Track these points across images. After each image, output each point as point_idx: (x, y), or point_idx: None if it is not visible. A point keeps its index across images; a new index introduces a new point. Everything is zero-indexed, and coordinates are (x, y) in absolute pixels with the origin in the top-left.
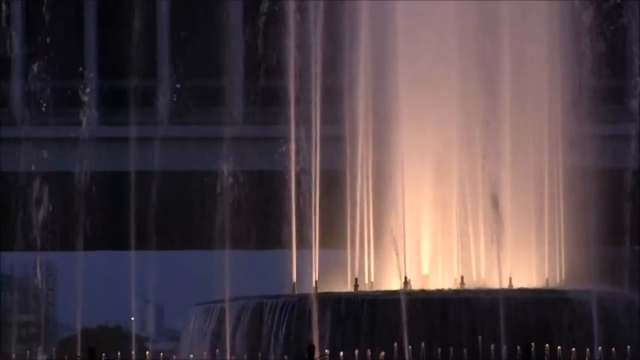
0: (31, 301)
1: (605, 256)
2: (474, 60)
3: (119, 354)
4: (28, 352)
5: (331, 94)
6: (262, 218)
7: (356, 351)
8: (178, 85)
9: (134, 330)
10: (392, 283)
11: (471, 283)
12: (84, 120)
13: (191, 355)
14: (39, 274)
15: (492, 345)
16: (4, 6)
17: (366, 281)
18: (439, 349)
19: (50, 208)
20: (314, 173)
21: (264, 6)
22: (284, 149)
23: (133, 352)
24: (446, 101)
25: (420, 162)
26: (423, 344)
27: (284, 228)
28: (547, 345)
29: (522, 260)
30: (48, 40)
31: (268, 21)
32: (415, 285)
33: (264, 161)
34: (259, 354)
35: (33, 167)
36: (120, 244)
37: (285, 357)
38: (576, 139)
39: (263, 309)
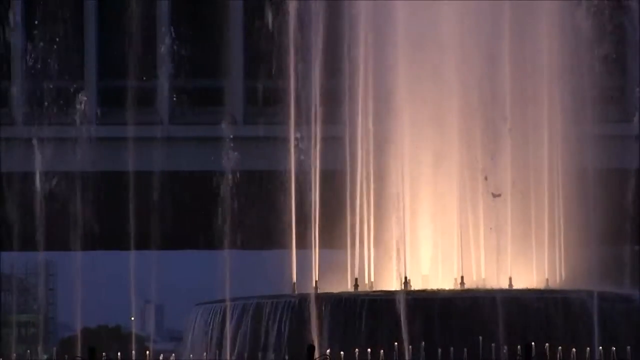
0: (31, 301)
1: (605, 256)
2: (475, 59)
3: (119, 354)
4: (28, 352)
5: (331, 94)
6: (262, 218)
7: (356, 351)
8: (178, 85)
9: (134, 330)
10: (392, 283)
11: (471, 283)
12: (84, 120)
13: (192, 355)
14: (39, 274)
15: (492, 345)
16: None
17: (366, 281)
18: (439, 349)
19: (50, 208)
20: (314, 173)
21: (264, 6)
22: (284, 149)
23: (133, 352)
24: (446, 101)
25: (420, 161)
26: (423, 344)
27: (284, 228)
28: (547, 345)
29: (522, 260)
30: (48, 40)
31: (268, 21)
32: (415, 285)
33: (264, 161)
34: (259, 354)
35: (33, 167)
36: (120, 244)
37: (286, 357)
38: (576, 139)
39: (263, 309)
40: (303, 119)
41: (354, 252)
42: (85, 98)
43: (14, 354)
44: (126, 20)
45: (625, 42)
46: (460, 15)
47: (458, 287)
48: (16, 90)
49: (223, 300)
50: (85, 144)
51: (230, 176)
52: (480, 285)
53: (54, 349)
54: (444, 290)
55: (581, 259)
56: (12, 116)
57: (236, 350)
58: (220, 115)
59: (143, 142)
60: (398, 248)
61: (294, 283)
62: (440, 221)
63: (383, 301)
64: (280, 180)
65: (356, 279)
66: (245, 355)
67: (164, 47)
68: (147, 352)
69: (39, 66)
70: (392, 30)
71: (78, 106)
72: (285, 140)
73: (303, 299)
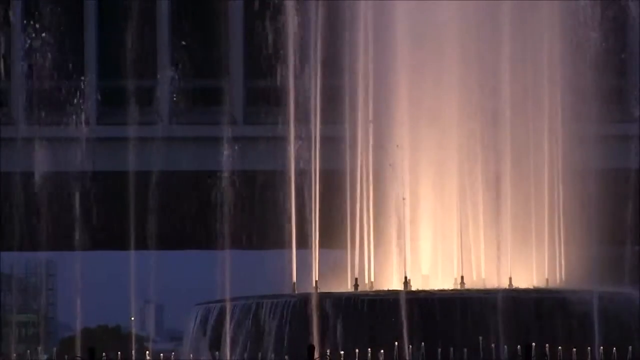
0: (31, 301)
1: (606, 256)
2: (474, 59)
3: (119, 354)
4: (28, 352)
5: (331, 94)
6: (262, 218)
7: (356, 351)
8: (178, 85)
9: (134, 330)
10: (392, 283)
11: (471, 283)
12: (84, 120)
13: (191, 355)
14: (39, 274)
15: (492, 345)
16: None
17: (366, 281)
18: (439, 349)
19: (50, 208)
20: (314, 173)
21: (264, 6)
22: (284, 149)
23: (133, 352)
24: (446, 101)
25: (420, 161)
26: (423, 344)
27: (284, 228)
28: (547, 345)
29: (522, 260)
30: (48, 39)
31: (268, 21)
32: (415, 285)
33: (264, 161)
34: (259, 354)
35: (33, 167)
36: (120, 244)
37: (285, 357)
38: (576, 139)
39: (263, 309)
40: (303, 119)
41: (354, 252)
42: (85, 98)
43: (14, 354)
44: (126, 20)
45: (625, 42)
46: (460, 15)
47: (458, 287)
48: (16, 90)
49: (223, 300)
50: (85, 144)
51: (230, 176)
52: (480, 285)
53: (54, 349)
54: (444, 290)
55: (581, 259)
56: (12, 116)
57: (236, 351)
58: (220, 115)
59: (143, 142)
60: (399, 248)
61: (294, 283)
62: (441, 221)
63: (383, 301)
64: (280, 180)
65: (356, 279)
66: (245, 355)
67: (164, 46)
68: (147, 352)
69: (39, 66)
70: (392, 30)
71: (78, 106)
72: (285, 140)
73: (303, 298)
